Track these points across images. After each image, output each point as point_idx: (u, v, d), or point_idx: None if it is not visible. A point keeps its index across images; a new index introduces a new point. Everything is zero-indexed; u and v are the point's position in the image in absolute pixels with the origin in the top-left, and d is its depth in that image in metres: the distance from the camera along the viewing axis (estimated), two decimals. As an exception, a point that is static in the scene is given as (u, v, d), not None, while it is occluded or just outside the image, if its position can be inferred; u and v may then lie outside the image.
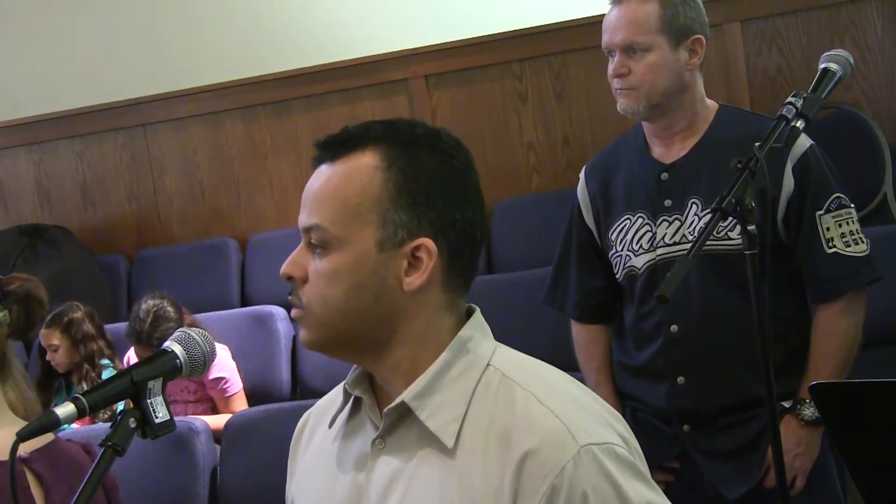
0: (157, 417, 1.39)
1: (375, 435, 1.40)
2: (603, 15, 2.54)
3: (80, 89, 5.57)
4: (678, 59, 2.46)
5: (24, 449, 1.84)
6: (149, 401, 1.39)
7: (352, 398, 1.46)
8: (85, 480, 1.34)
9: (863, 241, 2.45)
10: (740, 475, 2.48)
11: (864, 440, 1.81)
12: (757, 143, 2.15)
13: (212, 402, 4.28)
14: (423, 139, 1.40)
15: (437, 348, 1.39)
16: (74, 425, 3.71)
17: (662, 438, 2.53)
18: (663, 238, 2.51)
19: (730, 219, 2.21)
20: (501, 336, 1.45)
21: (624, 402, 2.62)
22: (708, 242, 2.13)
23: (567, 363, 1.71)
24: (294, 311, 1.42)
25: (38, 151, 5.70)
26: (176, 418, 1.45)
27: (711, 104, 2.56)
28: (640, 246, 2.53)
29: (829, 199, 2.43)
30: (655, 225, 2.52)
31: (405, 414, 1.38)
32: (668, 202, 2.51)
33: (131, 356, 4.30)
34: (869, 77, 4.70)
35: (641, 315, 2.56)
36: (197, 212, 5.53)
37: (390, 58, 5.17)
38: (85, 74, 5.59)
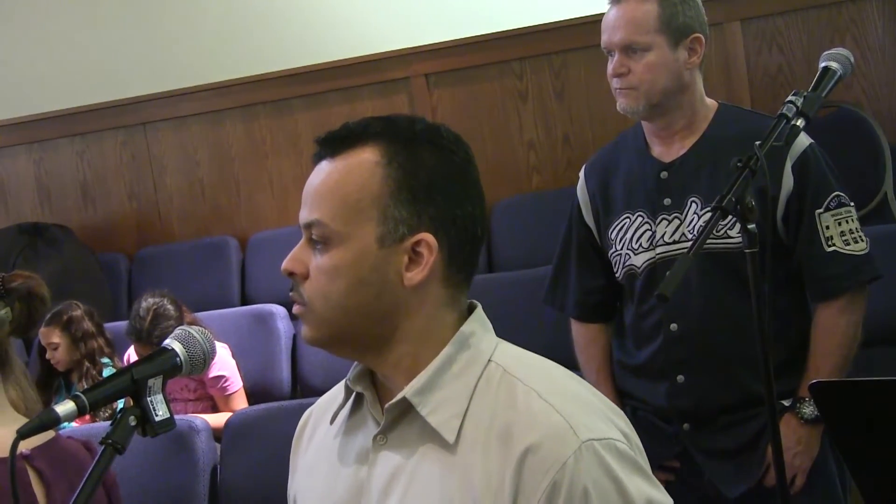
0: (157, 415, 1.39)
1: (377, 431, 1.40)
2: (603, 14, 2.54)
3: (80, 88, 5.57)
4: (677, 59, 2.46)
5: (26, 446, 1.85)
6: (149, 399, 1.39)
7: (353, 394, 1.46)
8: (85, 478, 1.34)
9: (862, 240, 2.45)
10: (740, 474, 2.49)
11: (864, 439, 1.81)
12: (757, 142, 2.15)
13: (212, 400, 4.28)
14: (423, 135, 1.40)
15: (439, 344, 1.39)
16: (74, 423, 3.71)
17: (662, 437, 2.53)
18: (663, 237, 2.51)
19: (729, 217, 2.21)
20: (501, 335, 1.45)
21: (624, 400, 2.62)
22: (708, 241, 2.13)
23: (567, 362, 1.71)
24: (295, 308, 1.42)
25: (38, 150, 5.70)
26: (176, 417, 1.45)
27: (711, 103, 2.56)
28: (640, 245, 2.53)
29: (829, 198, 2.43)
30: (655, 224, 2.52)
31: (407, 410, 1.38)
32: (667, 201, 2.51)
33: (131, 354, 4.30)
34: (869, 76, 4.70)
35: (641, 314, 2.56)
36: (197, 210, 5.53)
37: (391, 56, 5.17)
38: (85, 73, 5.59)
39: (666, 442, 2.53)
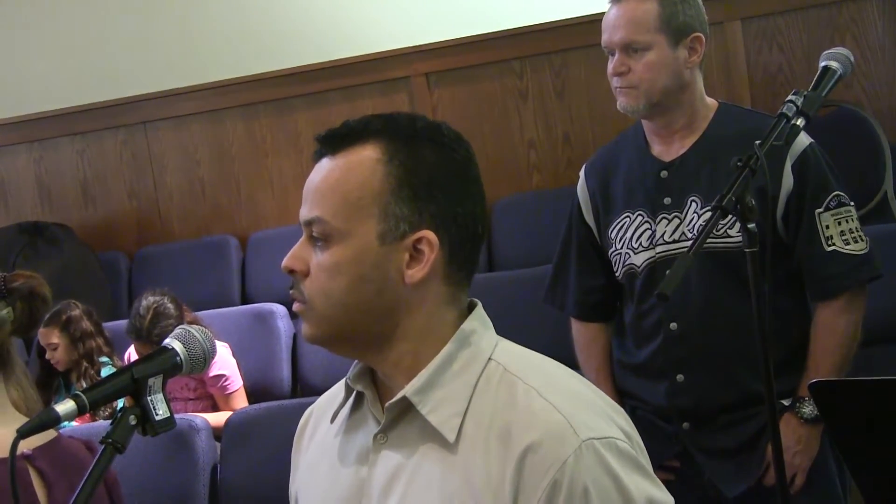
0: (157, 415, 1.39)
1: (377, 430, 1.40)
2: (603, 13, 2.54)
3: (80, 87, 5.57)
4: (677, 58, 2.46)
5: (27, 446, 1.85)
6: (149, 398, 1.39)
7: (353, 393, 1.46)
8: (85, 477, 1.34)
9: (862, 240, 2.45)
10: (740, 473, 2.49)
11: (864, 438, 1.81)
12: (757, 141, 2.15)
13: (212, 399, 4.28)
14: (423, 133, 1.41)
15: (439, 342, 1.39)
16: (74, 423, 3.71)
17: (662, 437, 2.53)
18: (663, 236, 2.51)
19: (729, 217, 2.21)
20: (501, 334, 1.45)
21: (624, 400, 2.62)
22: (708, 240, 2.13)
23: (567, 361, 1.71)
24: (296, 306, 1.42)
25: (38, 149, 5.71)
26: (176, 416, 1.45)
27: (711, 102, 2.57)
28: (640, 244, 2.53)
29: (829, 197, 2.43)
30: (655, 223, 2.52)
31: (407, 409, 1.38)
32: (667, 200, 2.51)
33: (131, 353, 4.30)
34: (869, 75, 4.70)
35: (641, 313, 2.56)
36: (197, 209, 5.53)
37: (391, 55, 5.17)
38: (85, 72, 5.60)
39: (666, 441, 2.53)
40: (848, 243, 2.43)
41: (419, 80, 5.17)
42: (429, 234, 1.37)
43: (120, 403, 1.45)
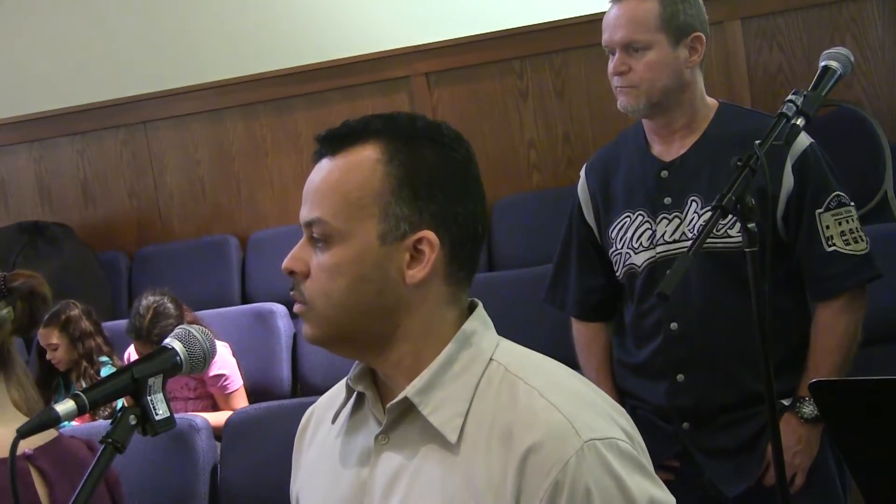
0: (157, 414, 1.39)
1: (378, 431, 1.40)
2: (603, 13, 2.54)
3: (80, 86, 5.57)
4: (678, 57, 2.46)
5: (28, 445, 1.85)
6: (149, 398, 1.39)
7: (354, 394, 1.46)
8: (85, 477, 1.34)
9: (862, 240, 2.45)
10: (740, 473, 2.49)
11: (864, 438, 1.81)
12: (757, 141, 2.15)
13: (212, 399, 4.29)
14: (423, 132, 1.40)
15: (440, 342, 1.39)
16: (74, 423, 3.71)
17: (662, 436, 2.53)
18: (663, 236, 2.51)
19: (730, 216, 2.21)
20: (501, 333, 1.45)
21: (624, 399, 2.62)
22: (708, 240, 2.13)
23: (567, 361, 1.71)
24: (296, 307, 1.42)
25: (38, 148, 5.71)
26: (176, 415, 1.45)
27: (711, 102, 2.57)
28: (640, 244, 2.53)
29: (829, 198, 2.43)
30: (655, 223, 2.52)
31: (408, 409, 1.38)
32: (667, 200, 2.51)
33: (131, 353, 4.30)
34: (869, 75, 4.70)
35: (641, 313, 2.56)
36: (198, 209, 5.53)
37: (391, 55, 5.17)
38: (85, 72, 5.60)
39: (666, 441, 2.53)
40: (848, 243, 2.43)
41: (419, 79, 5.17)
42: (429, 234, 1.37)
43: (120, 403, 1.45)
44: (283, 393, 4.48)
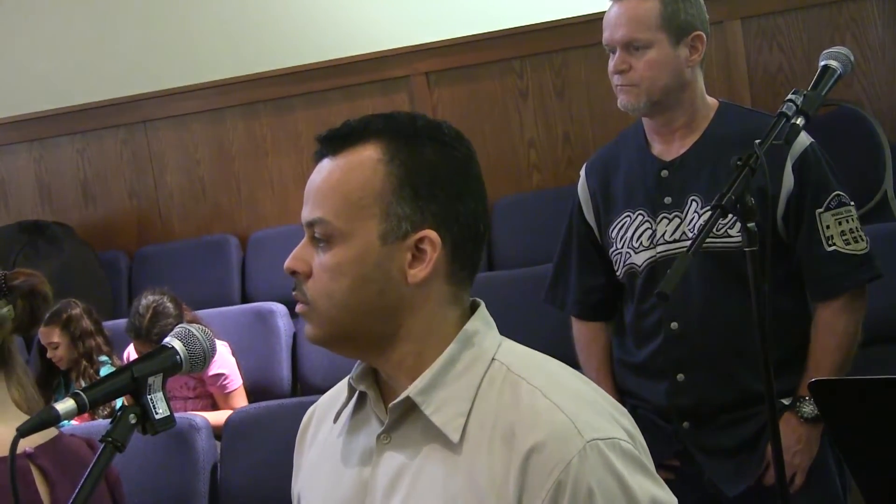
0: (157, 413, 1.39)
1: (380, 430, 1.40)
2: (604, 12, 2.54)
3: (80, 86, 5.57)
4: (678, 56, 2.46)
5: (29, 444, 1.85)
6: (149, 397, 1.39)
7: (356, 393, 1.46)
8: (84, 476, 1.34)
9: (863, 239, 2.45)
10: (740, 473, 2.49)
11: (864, 437, 1.81)
12: (757, 141, 2.15)
13: (212, 398, 4.29)
14: (424, 132, 1.40)
15: (442, 342, 1.39)
16: (73, 422, 3.71)
17: (662, 436, 2.53)
18: (663, 235, 2.51)
19: (730, 216, 2.21)
20: (501, 333, 1.45)
21: (624, 399, 2.62)
22: (708, 240, 2.13)
23: (567, 360, 1.72)
24: (299, 307, 1.41)
25: (38, 148, 5.71)
26: (176, 415, 1.45)
27: (712, 101, 2.57)
28: (641, 243, 2.53)
29: (829, 197, 2.43)
30: (655, 222, 2.52)
31: (410, 409, 1.38)
32: (668, 199, 2.51)
33: (131, 352, 4.30)
34: (869, 74, 4.70)
35: (642, 312, 2.56)
36: (198, 208, 5.53)
37: (391, 55, 5.17)
38: (86, 71, 5.60)
39: (666, 440, 2.53)
40: (848, 243, 2.43)
41: (419, 79, 5.17)
42: (431, 234, 1.37)
43: (119, 402, 1.45)
44: (282, 392, 4.48)
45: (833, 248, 2.42)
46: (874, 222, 3.89)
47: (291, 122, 5.37)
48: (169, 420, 1.41)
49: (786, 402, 2.47)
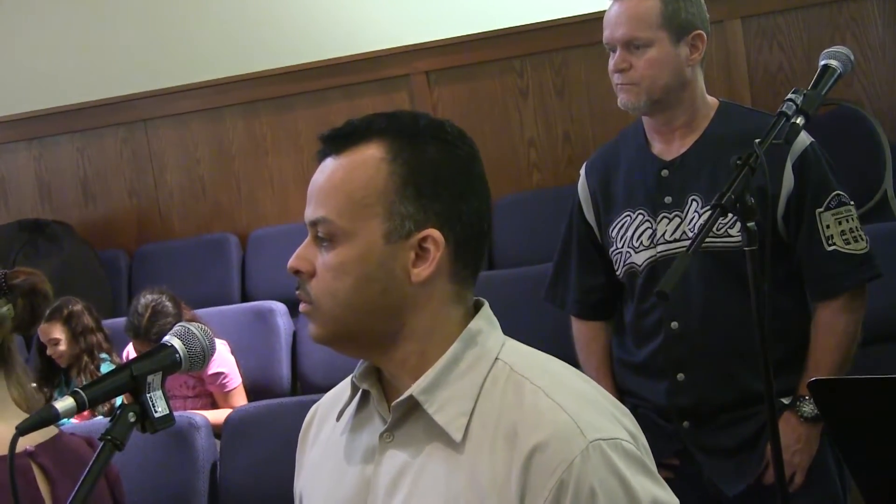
0: (156, 412, 1.39)
1: (383, 429, 1.40)
2: (604, 11, 2.54)
3: (80, 84, 5.57)
4: (679, 55, 2.46)
5: (29, 442, 1.85)
6: (148, 395, 1.39)
7: (360, 391, 1.46)
8: (84, 475, 1.34)
9: (862, 239, 2.45)
10: (740, 472, 2.49)
11: (863, 436, 1.81)
12: (757, 140, 2.15)
13: (211, 397, 4.29)
14: (427, 130, 1.40)
15: (446, 341, 1.39)
16: (74, 420, 3.71)
17: (662, 435, 2.53)
18: (664, 235, 2.51)
19: (730, 216, 2.21)
20: (502, 332, 1.45)
21: (623, 398, 2.62)
22: (708, 239, 2.13)
23: (567, 359, 1.72)
24: (302, 306, 1.41)
25: (38, 146, 5.71)
26: (176, 413, 1.45)
27: (712, 101, 2.56)
28: (641, 243, 2.53)
29: (829, 197, 2.43)
30: (656, 222, 2.52)
31: (413, 408, 1.38)
32: (668, 199, 2.51)
33: (130, 351, 4.29)
34: (870, 74, 4.70)
35: (642, 312, 2.56)
36: (197, 207, 5.53)
37: (391, 54, 5.17)
38: (85, 70, 5.60)
39: (665, 440, 2.53)
40: (848, 243, 2.43)
41: (419, 78, 5.17)
42: (434, 233, 1.37)
43: (118, 400, 1.45)
44: (282, 391, 4.48)
45: (833, 247, 2.42)
46: (874, 222, 3.89)
47: (291, 121, 5.37)
48: (168, 418, 1.40)
49: (785, 401, 2.47)
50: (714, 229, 2.14)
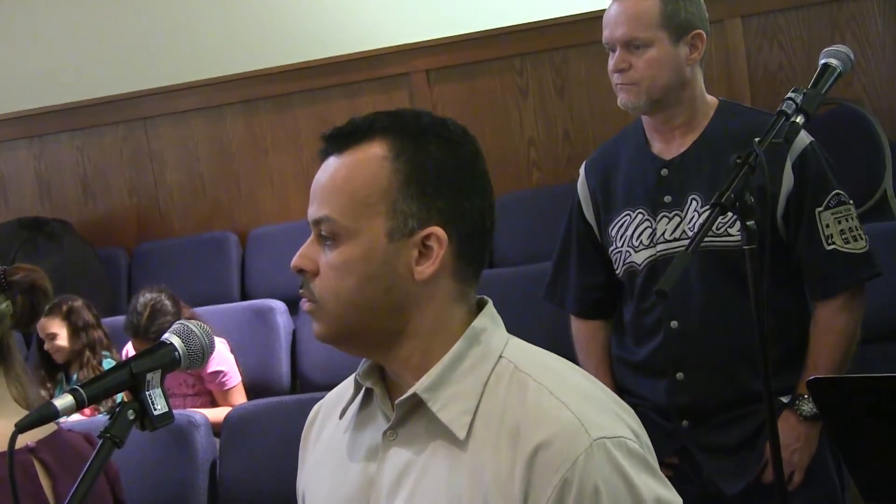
0: (155, 409, 1.39)
1: (387, 427, 1.40)
2: (604, 10, 2.54)
3: (80, 82, 5.57)
4: (679, 55, 2.46)
5: (29, 438, 1.84)
6: (147, 393, 1.39)
7: (363, 390, 1.46)
8: (84, 472, 1.34)
9: (862, 238, 2.45)
10: (739, 471, 2.49)
11: (862, 435, 1.82)
12: (757, 139, 2.15)
13: (210, 395, 4.29)
14: (429, 128, 1.40)
15: (449, 339, 1.39)
16: (79, 416, 3.71)
17: (661, 434, 2.53)
18: (663, 234, 2.51)
19: (729, 214, 2.21)
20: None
21: (623, 397, 2.60)
22: (708, 238, 2.13)
23: (566, 358, 1.72)
24: (306, 305, 1.41)
25: (38, 145, 5.70)
26: (175, 412, 1.45)
27: (711, 100, 2.57)
28: (640, 242, 2.54)
29: (829, 196, 2.44)
30: (655, 221, 2.52)
31: (417, 405, 1.38)
32: (667, 198, 2.51)
33: (129, 350, 4.29)
34: (870, 73, 4.70)
35: (641, 311, 2.56)
36: (197, 206, 5.53)
37: (391, 52, 5.17)
38: (85, 68, 5.59)
39: (665, 439, 2.53)
40: (848, 242, 2.43)
41: (419, 76, 5.17)
42: (437, 230, 1.37)
43: (120, 398, 1.45)
44: (282, 389, 4.48)
45: (832, 246, 2.42)
46: (873, 221, 3.89)
47: (291, 120, 5.37)
48: (167, 416, 1.40)
49: (785, 400, 2.47)
50: (714, 228, 2.14)
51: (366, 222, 1.36)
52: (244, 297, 5.17)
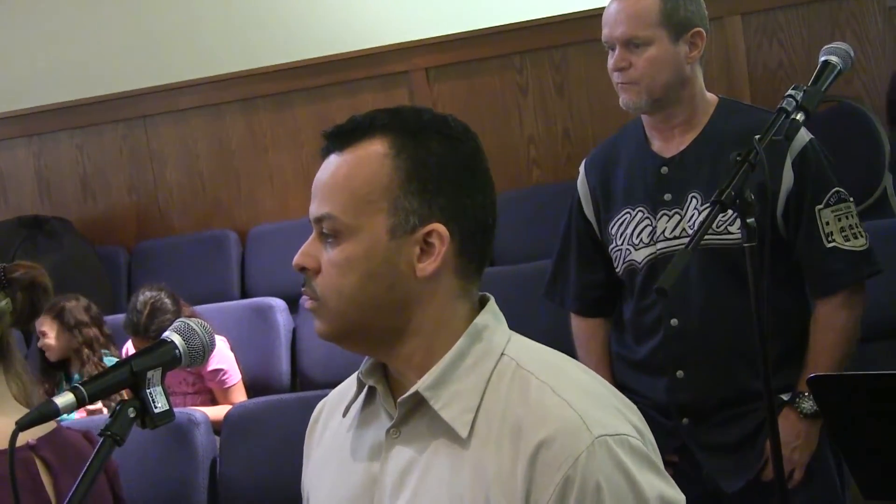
0: (156, 407, 1.39)
1: (390, 425, 1.40)
2: (603, 8, 2.54)
3: (80, 81, 5.56)
4: (678, 53, 2.46)
5: (31, 436, 1.84)
6: (148, 391, 1.39)
7: (366, 388, 1.46)
8: (84, 470, 1.34)
9: (862, 236, 2.45)
10: (739, 468, 2.49)
11: (862, 433, 1.82)
12: (757, 136, 2.15)
13: (211, 393, 4.29)
14: (430, 126, 1.40)
15: (452, 336, 1.39)
16: (81, 414, 3.71)
17: (661, 432, 2.52)
18: (663, 232, 2.51)
19: (729, 212, 2.21)
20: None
21: (623, 394, 2.62)
22: (708, 236, 2.13)
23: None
24: (308, 303, 1.41)
25: (38, 143, 5.70)
26: (175, 410, 1.45)
27: (711, 98, 2.57)
28: (640, 240, 2.54)
29: (829, 194, 2.44)
30: (655, 219, 2.52)
31: (419, 404, 1.38)
32: (667, 196, 2.51)
33: (129, 348, 4.29)
34: (870, 71, 4.70)
35: (641, 309, 2.56)
36: (197, 204, 5.53)
37: (391, 50, 5.16)
38: (85, 66, 5.59)
39: (665, 436, 2.53)
40: (848, 239, 2.43)
41: (419, 74, 5.16)
42: (439, 227, 1.37)
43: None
44: (282, 387, 4.48)
45: (832, 244, 2.42)
46: (873, 218, 3.89)
47: (291, 118, 5.36)
48: (168, 414, 1.40)
49: (785, 397, 2.47)
50: (714, 226, 2.14)
51: (367, 219, 1.36)
52: (244, 295, 5.17)
